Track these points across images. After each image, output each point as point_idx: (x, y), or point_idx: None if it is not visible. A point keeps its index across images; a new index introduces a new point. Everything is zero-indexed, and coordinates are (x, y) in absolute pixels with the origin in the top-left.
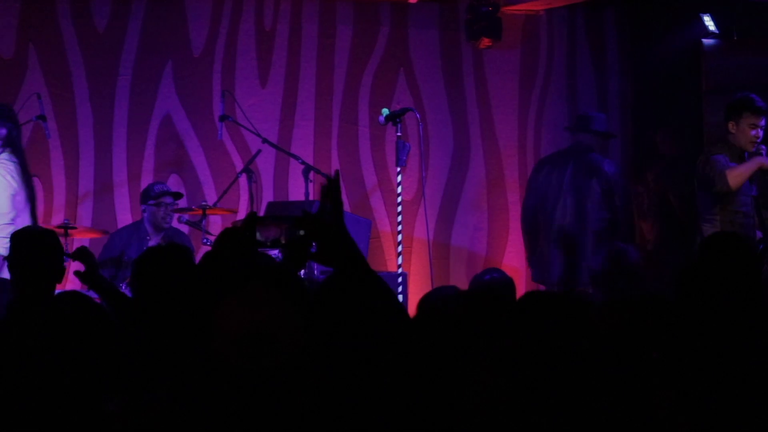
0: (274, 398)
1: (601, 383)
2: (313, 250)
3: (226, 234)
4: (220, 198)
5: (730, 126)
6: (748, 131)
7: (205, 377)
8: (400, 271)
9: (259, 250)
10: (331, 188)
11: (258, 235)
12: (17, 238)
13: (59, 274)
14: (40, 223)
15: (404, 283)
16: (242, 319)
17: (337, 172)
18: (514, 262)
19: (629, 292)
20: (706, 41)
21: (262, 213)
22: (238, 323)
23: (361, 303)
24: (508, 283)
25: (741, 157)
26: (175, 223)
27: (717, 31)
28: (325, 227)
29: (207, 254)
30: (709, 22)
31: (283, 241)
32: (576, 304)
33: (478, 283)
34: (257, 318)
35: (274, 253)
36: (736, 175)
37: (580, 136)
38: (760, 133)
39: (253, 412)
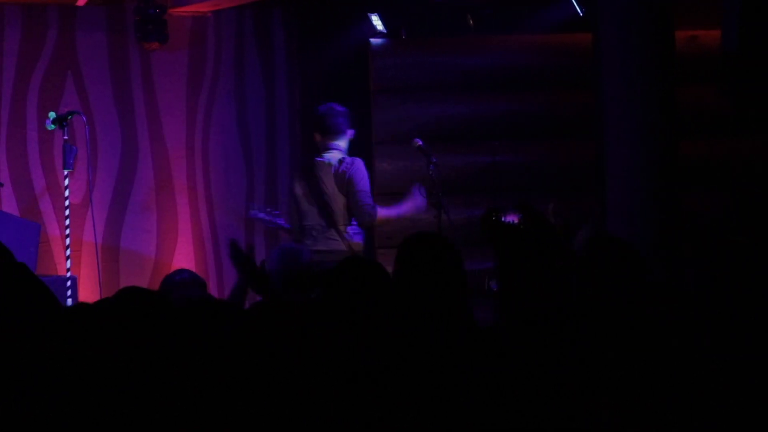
0: None
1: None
2: None
3: None
4: None
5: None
6: None
7: None
8: (69, 275)
9: None
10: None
11: None
12: None
13: None
14: None
15: (73, 287)
16: None
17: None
18: (183, 263)
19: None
20: (374, 41)
21: None
22: None
23: None
24: (201, 283)
25: None
26: None
27: (385, 30)
28: None
29: None
30: (377, 21)
31: None
32: None
33: (169, 284)
34: None
35: None
36: None
37: None
38: None
39: None
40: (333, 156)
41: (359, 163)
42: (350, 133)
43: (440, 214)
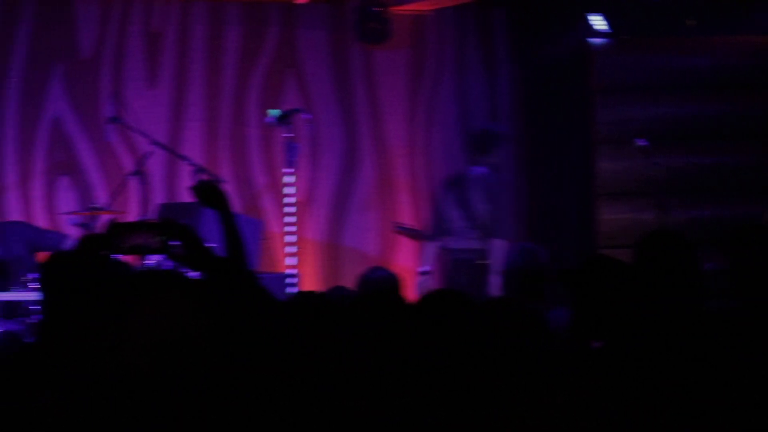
0: (181, 406)
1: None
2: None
3: (86, 240)
4: (109, 200)
5: None
6: None
7: (111, 383)
8: (290, 272)
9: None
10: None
11: (138, 241)
12: None
13: None
14: None
15: (294, 285)
16: (153, 327)
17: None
18: (405, 261)
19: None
20: (595, 40)
21: (153, 215)
22: (148, 331)
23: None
24: (393, 280)
25: None
26: (67, 226)
27: (607, 30)
28: (187, 230)
29: (57, 256)
30: (598, 21)
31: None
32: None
33: (364, 281)
34: (168, 326)
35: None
36: None
37: None
38: None
39: (159, 420)
40: (482, 169)
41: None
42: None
43: (663, 215)
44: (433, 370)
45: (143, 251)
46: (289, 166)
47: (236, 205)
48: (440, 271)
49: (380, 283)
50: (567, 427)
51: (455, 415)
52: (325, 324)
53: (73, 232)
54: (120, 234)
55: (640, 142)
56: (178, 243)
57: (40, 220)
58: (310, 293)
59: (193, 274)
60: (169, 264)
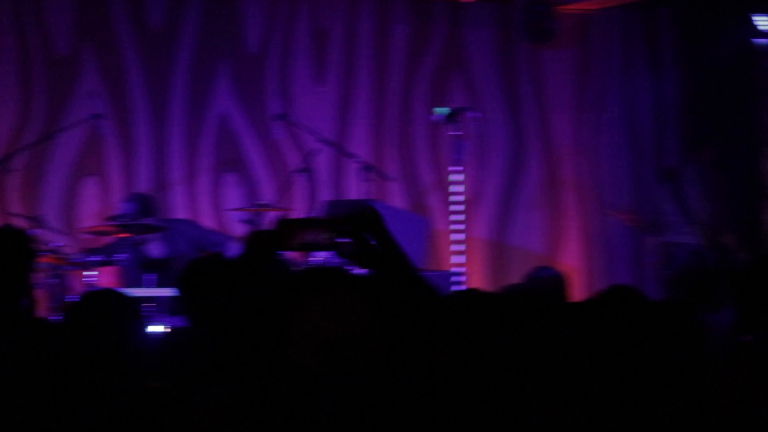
0: (350, 404)
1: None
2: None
3: (255, 236)
4: (275, 197)
5: None
6: None
7: (280, 381)
8: (456, 270)
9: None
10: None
11: (307, 238)
12: None
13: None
14: (98, 222)
15: (460, 283)
16: (322, 325)
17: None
18: (571, 261)
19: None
20: (760, 41)
21: (320, 212)
22: (317, 329)
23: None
24: (560, 280)
25: None
26: (233, 223)
27: None
28: (355, 229)
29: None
30: (763, 21)
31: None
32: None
33: (531, 280)
34: (338, 324)
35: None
36: None
37: None
38: None
39: (328, 418)
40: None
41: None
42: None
43: None
44: (595, 369)
45: (312, 248)
46: (457, 164)
47: (403, 202)
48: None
49: (547, 282)
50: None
51: (614, 415)
52: (493, 321)
53: (238, 229)
54: (289, 231)
55: None
56: (346, 240)
57: (206, 217)
58: (478, 291)
59: (360, 271)
60: (336, 261)
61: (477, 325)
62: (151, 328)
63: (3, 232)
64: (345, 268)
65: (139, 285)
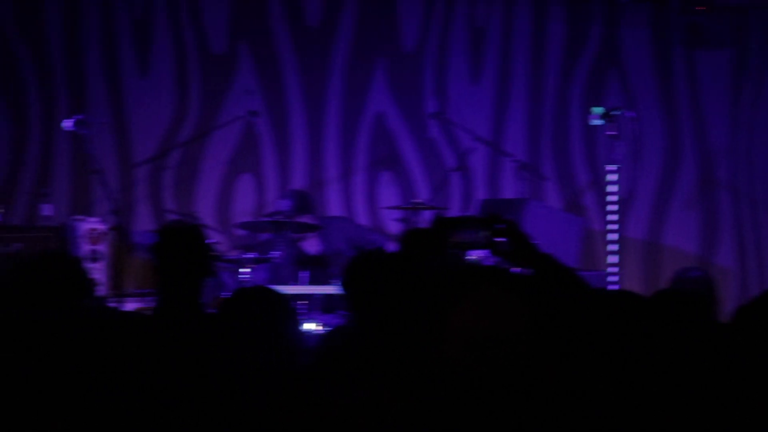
0: (504, 404)
1: None
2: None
3: (411, 234)
4: (430, 196)
5: None
6: None
7: (433, 379)
8: (611, 270)
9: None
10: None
11: (463, 236)
12: (161, 234)
13: (207, 271)
14: (253, 219)
15: (615, 283)
16: (477, 323)
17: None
18: (725, 262)
19: None
20: None
21: (475, 211)
22: (472, 327)
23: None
24: (708, 281)
25: None
26: (388, 221)
27: None
28: (514, 226)
29: (396, 255)
30: None
31: (487, 242)
32: None
33: (679, 281)
34: (492, 323)
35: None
36: None
37: None
38: None
39: (482, 417)
40: None
41: None
42: None
43: None
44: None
45: (469, 247)
46: (612, 164)
47: (558, 201)
48: None
49: (695, 283)
50: None
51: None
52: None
53: (393, 227)
54: (446, 229)
55: None
56: (504, 239)
57: (361, 215)
58: (629, 293)
59: (516, 270)
60: (492, 260)
61: (623, 329)
62: (306, 326)
63: (179, 229)
64: (502, 267)
65: (293, 282)
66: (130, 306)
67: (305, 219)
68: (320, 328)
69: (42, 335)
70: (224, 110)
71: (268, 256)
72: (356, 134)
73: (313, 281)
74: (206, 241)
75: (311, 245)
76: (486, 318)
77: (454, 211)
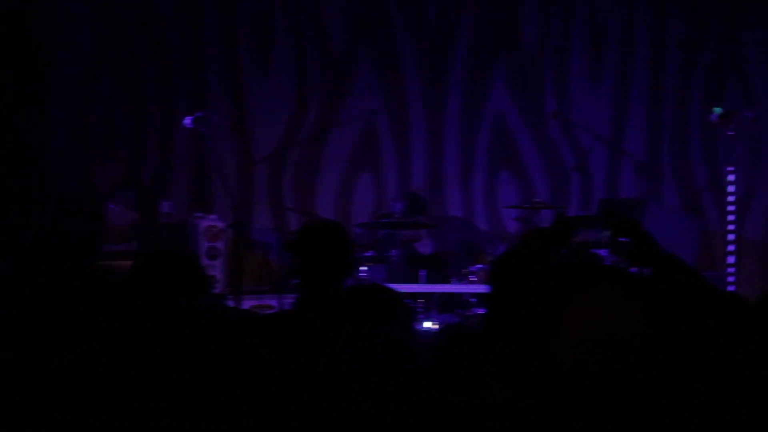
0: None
1: None
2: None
3: (531, 234)
4: (550, 195)
5: None
6: None
7: (546, 378)
8: (730, 271)
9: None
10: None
11: (585, 235)
12: (304, 233)
13: (348, 269)
14: (371, 218)
15: (733, 284)
16: (591, 323)
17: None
18: None
19: None
20: None
21: (594, 211)
22: (586, 326)
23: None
24: None
25: None
26: (507, 220)
27: None
28: (636, 226)
29: (510, 253)
30: None
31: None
32: None
33: None
34: (607, 322)
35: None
36: None
37: None
38: None
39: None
40: None
41: None
42: None
43: None
44: None
45: (590, 246)
46: (731, 164)
47: (676, 202)
48: None
49: None
50: None
51: None
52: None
53: (512, 227)
54: (568, 228)
55: None
56: (625, 239)
57: (480, 214)
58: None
59: (634, 270)
60: (611, 259)
61: (728, 333)
62: (423, 325)
63: (321, 227)
64: (621, 266)
65: (409, 281)
66: (248, 303)
67: (420, 219)
68: (437, 326)
69: (160, 332)
70: (344, 108)
71: (384, 255)
72: (476, 133)
73: (430, 280)
74: (348, 240)
75: (426, 245)
76: (598, 318)
77: (573, 210)
